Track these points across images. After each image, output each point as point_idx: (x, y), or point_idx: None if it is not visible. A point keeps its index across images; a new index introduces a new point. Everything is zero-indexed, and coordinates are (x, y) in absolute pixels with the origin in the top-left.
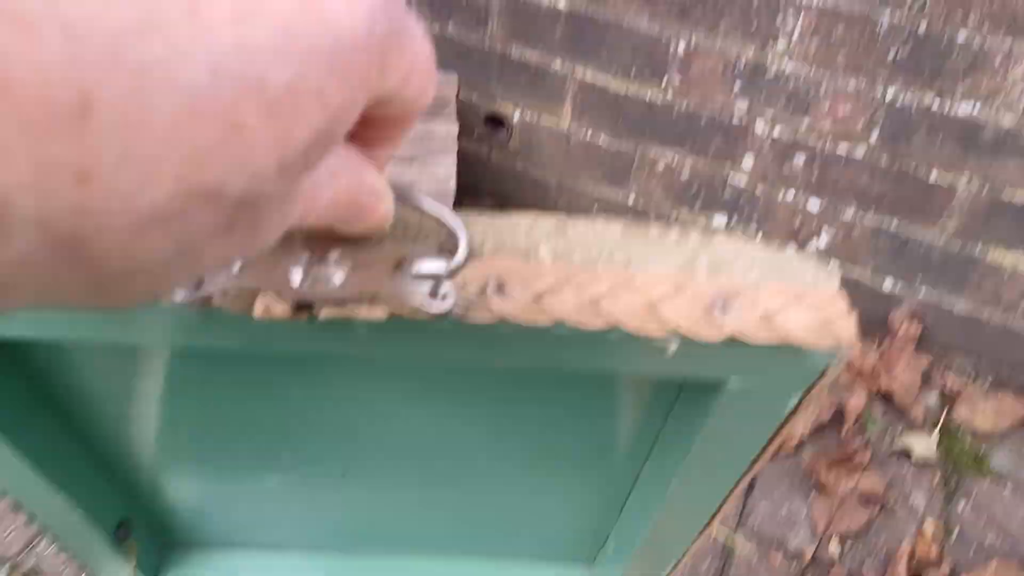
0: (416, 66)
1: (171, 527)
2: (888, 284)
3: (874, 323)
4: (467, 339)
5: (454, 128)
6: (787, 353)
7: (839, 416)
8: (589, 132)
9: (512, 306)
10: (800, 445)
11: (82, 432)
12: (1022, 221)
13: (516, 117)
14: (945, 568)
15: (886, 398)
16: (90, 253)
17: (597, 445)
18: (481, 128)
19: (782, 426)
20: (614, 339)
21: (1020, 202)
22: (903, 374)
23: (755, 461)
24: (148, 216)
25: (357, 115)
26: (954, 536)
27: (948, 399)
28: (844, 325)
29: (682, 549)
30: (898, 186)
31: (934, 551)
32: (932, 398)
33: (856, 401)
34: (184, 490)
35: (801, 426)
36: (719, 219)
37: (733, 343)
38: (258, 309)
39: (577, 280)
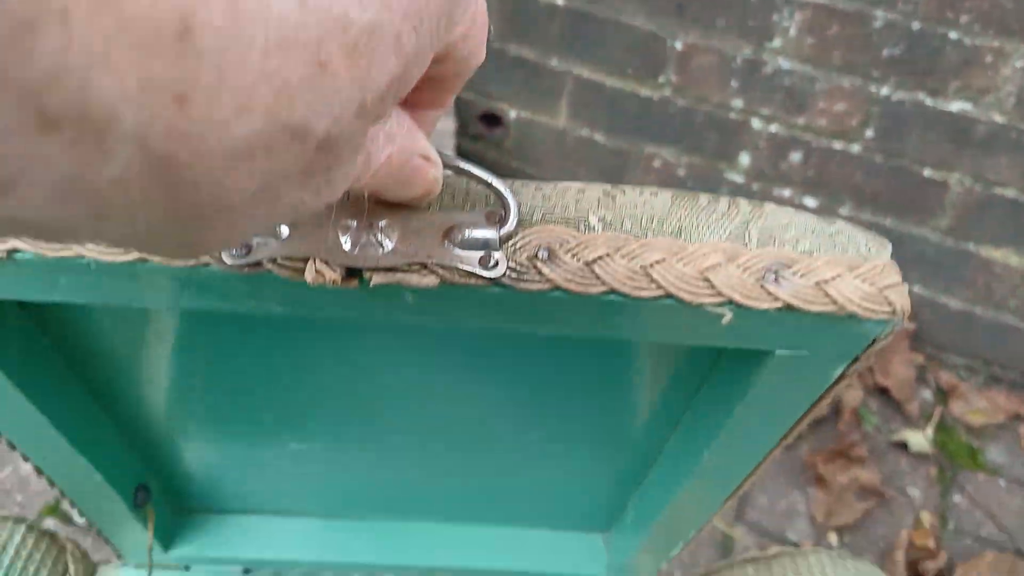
0: (475, 23)
1: (188, 493)
2: None
3: None
4: (517, 307)
5: (451, 125)
6: (841, 322)
7: (836, 411)
8: (585, 130)
9: (563, 274)
10: (798, 439)
11: (103, 395)
12: (1013, 217)
13: (512, 115)
14: (942, 559)
15: (882, 394)
16: (183, 179)
17: (626, 412)
18: (477, 127)
19: (826, 394)
20: (667, 308)
21: (1011, 197)
22: (898, 370)
23: (792, 430)
24: (240, 147)
25: (426, 66)
26: (950, 528)
27: (943, 395)
28: (898, 294)
29: (704, 519)
30: (893, 183)
31: (931, 542)
32: (927, 394)
33: (852, 397)
34: (203, 456)
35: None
36: None
37: (786, 312)
38: (309, 275)
39: (628, 249)
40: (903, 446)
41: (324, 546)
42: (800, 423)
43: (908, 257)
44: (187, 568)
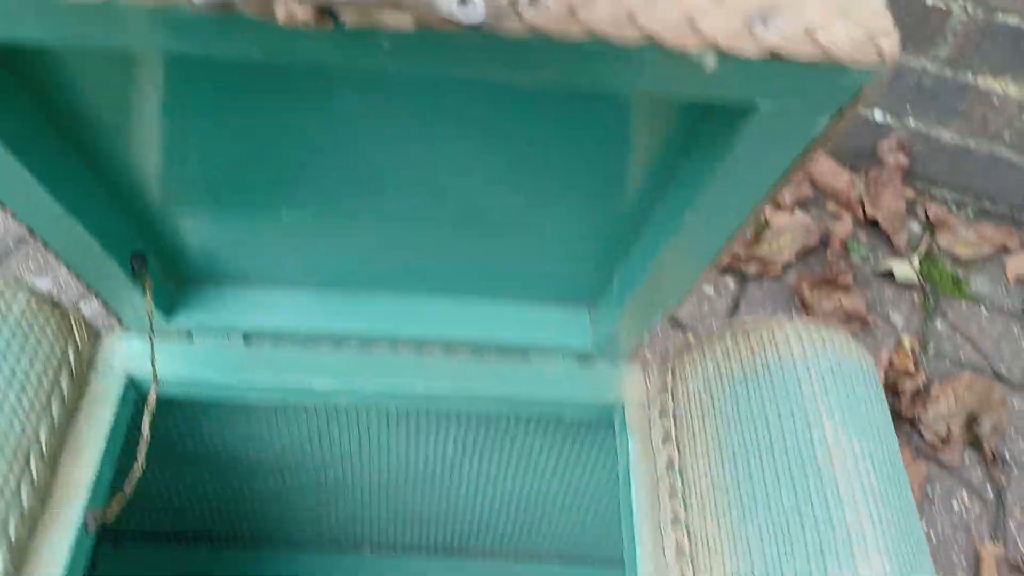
0: None
1: (185, 263)
2: (878, 114)
3: (863, 154)
4: (497, 53)
5: None
6: (828, 71)
7: (825, 242)
8: None
9: (545, 18)
10: (786, 268)
11: (91, 156)
12: (1014, 44)
13: None
14: (920, 379)
15: (871, 226)
16: None
17: (610, 176)
18: None
19: (807, 150)
20: (650, 54)
21: (1014, 25)
22: (889, 203)
23: (773, 189)
24: None
25: None
26: (931, 351)
27: (931, 228)
28: (888, 41)
29: (686, 287)
30: (896, 11)
31: (910, 364)
32: (916, 227)
33: (842, 228)
34: (198, 224)
35: (788, 251)
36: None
37: (772, 60)
38: (280, 13)
39: None
40: (889, 275)
41: (322, 316)
42: (783, 180)
43: (905, 89)
44: (189, 335)
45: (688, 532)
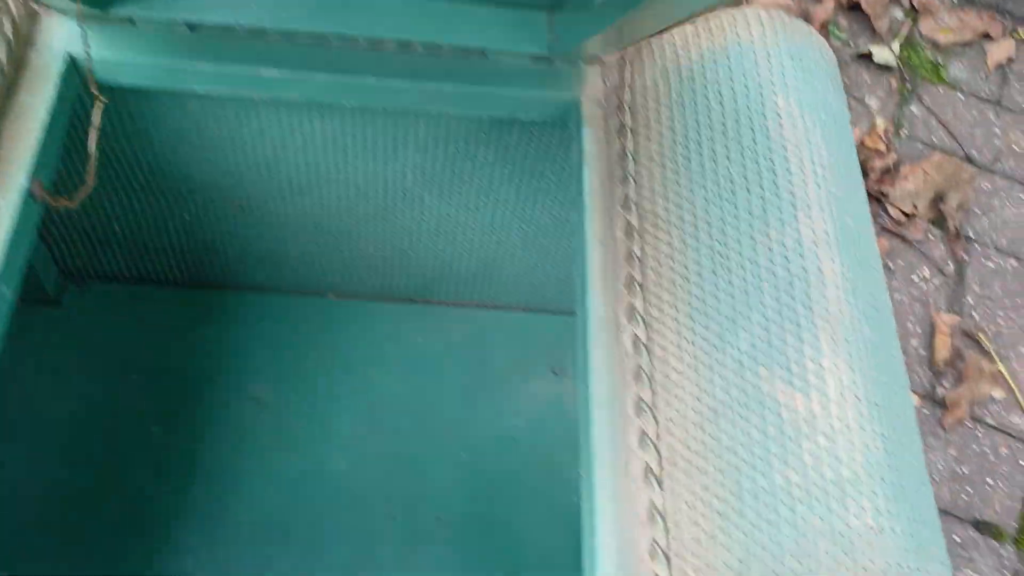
0: None
1: None
2: None
3: None
4: None
5: None
6: None
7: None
8: None
9: None
10: None
11: None
12: None
13: None
14: (890, 159)
15: (853, 10)
16: None
17: None
18: None
19: None
20: None
21: None
22: None
23: None
24: None
25: None
26: (903, 134)
27: (914, 13)
28: None
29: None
30: None
31: (881, 144)
32: (899, 13)
33: (823, 11)
34: None
35: None
36: None
37: None
38: None
39: None
40: (867, 58)
41: (270, 9)
42: None
43: None
44: (131, 23)
45: (638, 210)
